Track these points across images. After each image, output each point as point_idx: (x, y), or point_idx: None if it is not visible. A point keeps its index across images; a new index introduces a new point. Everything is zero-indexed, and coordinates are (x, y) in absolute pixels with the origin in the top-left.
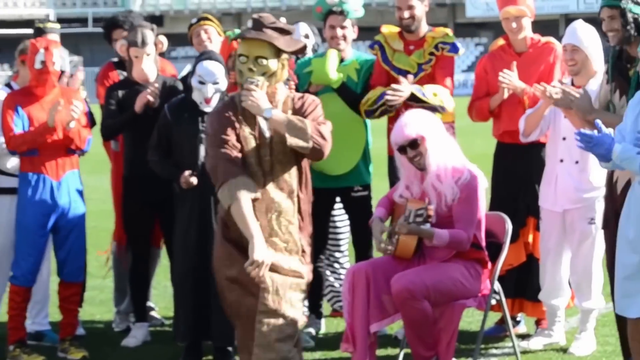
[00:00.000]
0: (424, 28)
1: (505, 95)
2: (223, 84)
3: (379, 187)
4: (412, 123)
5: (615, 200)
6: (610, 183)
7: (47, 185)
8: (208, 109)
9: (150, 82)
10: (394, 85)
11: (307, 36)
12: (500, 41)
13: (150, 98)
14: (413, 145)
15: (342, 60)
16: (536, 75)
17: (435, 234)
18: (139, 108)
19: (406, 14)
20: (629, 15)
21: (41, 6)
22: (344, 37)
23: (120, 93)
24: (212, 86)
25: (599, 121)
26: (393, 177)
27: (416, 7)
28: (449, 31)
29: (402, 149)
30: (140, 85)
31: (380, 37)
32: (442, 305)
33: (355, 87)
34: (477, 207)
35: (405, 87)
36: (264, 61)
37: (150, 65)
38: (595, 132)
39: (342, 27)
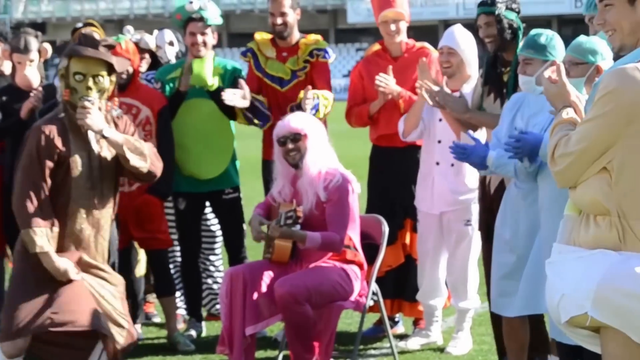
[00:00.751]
0: (296, 35)
1: (383, 100)
2: None
3: (250, 190)
4: (299, 119)
5: (488, 200)
6: (483, 184)
7: None
8: None
9: (34, 87)
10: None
11: (171, 43)
12: (376, 46)
13: (35, 102)
14: (294, 140)
15: None
16: (411, 80)
17: (307, 237)
18: (24, 114)
19: (279, 21)
20: (505, 22)
21: None
22: (205, 43)
23: (5, 98)
24: None
25: (471, 132)
26: (267, 180)
27: (288, 15)
28: (320, 38)
29: (283, 142)
30: (23, 91)
31: (252, 44)
32: (322, 307)
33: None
34: (349, 209)
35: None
36: (101, 79)
37: (34, 72)
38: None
39: (203, 34)
